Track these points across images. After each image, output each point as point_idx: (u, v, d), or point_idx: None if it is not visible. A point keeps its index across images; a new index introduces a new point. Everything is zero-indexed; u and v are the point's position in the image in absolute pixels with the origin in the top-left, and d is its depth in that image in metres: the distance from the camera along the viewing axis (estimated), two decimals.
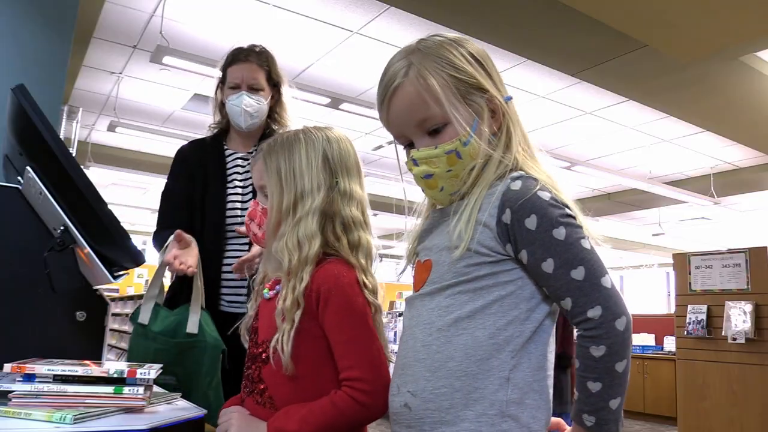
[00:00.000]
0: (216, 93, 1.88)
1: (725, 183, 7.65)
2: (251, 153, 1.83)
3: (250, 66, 1.80)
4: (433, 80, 0.90)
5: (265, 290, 1.11)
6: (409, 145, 0.96)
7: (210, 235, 1.72)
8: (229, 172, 1.81)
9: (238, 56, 1.81)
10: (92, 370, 0.95)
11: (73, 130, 5.19)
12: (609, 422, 0.82)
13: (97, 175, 7.74)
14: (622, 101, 5.47)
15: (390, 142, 6.37)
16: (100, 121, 6.74)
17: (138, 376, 0.95)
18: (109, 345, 1.42)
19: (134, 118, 6.48)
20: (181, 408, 1.00)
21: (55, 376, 0.92)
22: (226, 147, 1.86)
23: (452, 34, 0.99)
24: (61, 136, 1.24)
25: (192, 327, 1.44)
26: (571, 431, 0.88)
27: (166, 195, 1.81)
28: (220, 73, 1.86)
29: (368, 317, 1.03)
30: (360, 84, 5.46)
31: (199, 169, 1.81)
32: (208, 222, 1.74)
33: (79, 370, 0.94)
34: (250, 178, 1.73)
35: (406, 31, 4.44)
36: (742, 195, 8.15)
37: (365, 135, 6.86)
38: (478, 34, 4.05)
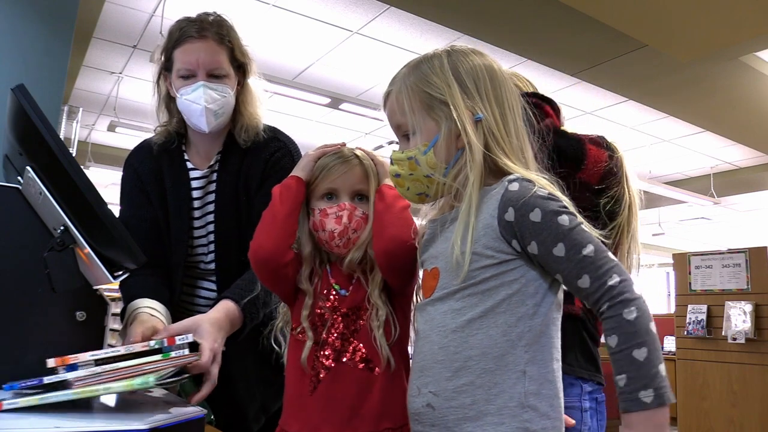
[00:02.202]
0: (158, 83, 1.42)
1: (725, 183, 7.66)
2: (212, 167, 1.43)
3: (207, 45, 1.32)
4: (406, 93, 0.99)
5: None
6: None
7: (178, 272, 1.42)
8: (194, 200, 1.43)
9: (188, 32, 1.34)
10: (133, 347, 0.98)
11: (73, 130, 5.20)
12: (666, 390, 0.81)
13: (97, 175, 7.73)
14: (622, 101, 5.47)
15: (390, 143, 6.37)
16: (100, 121, 6.74)
17: (177, 342, 0.99)
18: (109, 345, 1.41)
19: (134, 118, 6.48)
20: (181, 408, 1.00)
21: (96, 360, 0.93)
22: (187, 159, 1.44)
23: (469, 46, 1.03)
24: (61, 136, 1.23)
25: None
26: (624, 428, 0.84)
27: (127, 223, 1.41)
28: (160, 57, 1.40)
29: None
30: (360, 84, 5.47)
31: (154, 189, 1.42)
32: (175, 257, 1.42)
33: (121, 350, 0.96)
34: (209, 202, 1.44)
35: (406, 31, 4.44)
36: (742, 195, 8.15)
37: (365, 135, 6.87)
38: (477, 34, 4.05)
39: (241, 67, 1.41)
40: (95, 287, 1.11)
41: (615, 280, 0.85)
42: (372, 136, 6.84)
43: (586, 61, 4.46)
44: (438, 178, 0.97)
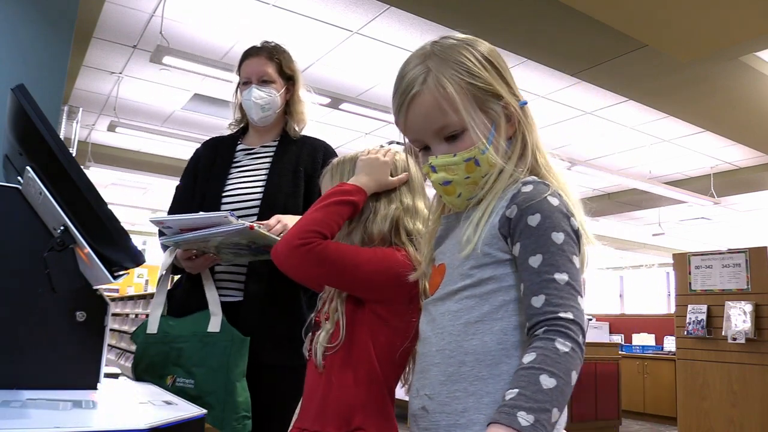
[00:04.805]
0: (235, 94, 1.89)
1: (725, 183, 7.65)
2: (267, 146, 1.80)
3: (259, 60, 1.78)
4: (452, 89, 0.90)
5: None
6: (425, 149, 0.97)
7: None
8: (234, 166, 1.78)
9: (248, 53, 1.81)
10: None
11: (73, 130, 5.20)
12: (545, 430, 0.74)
13: (97, 175, 7.72)
14: (622, 101, 5.47)
15: (390, 142, 6.37)
16: (100, 121, 6.74)
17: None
18: (109, 345, 1.46)
19: (134, 118, 6.48)
20: (181, 408, 1.00)
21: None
22: (239, 142, 1.85)
23: (462, 34, 0.99)
24: (61, 136, 1.24)
25: (214, 326, 1.47)
26: None
27: (175, 192, 1.84)
28: (237, 77, 1.86)
29: (387, 260, 1.11)
30: (360, 84, 5.47)
31: (207, 165, 1.81)
32: (207, 205, 1.70)
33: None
34: (258, 171, 1.73)
35: (406, 31, 4.44)
36: (742, 195, 8.15)
37: (365, 135, 6.87)
38: (478, 35, 4.00)
39: (290, 79, 1.82)
40: (95, 287, 1.11)
41: (568, 315, 0.79)
42: (372, 136, 6.84)
43: (586, 61, 4.46)
44: (511, 168, 0.91)
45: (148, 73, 5.45)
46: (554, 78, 4.97)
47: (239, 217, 1.62)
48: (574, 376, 0.77)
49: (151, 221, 1.49)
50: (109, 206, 0.97)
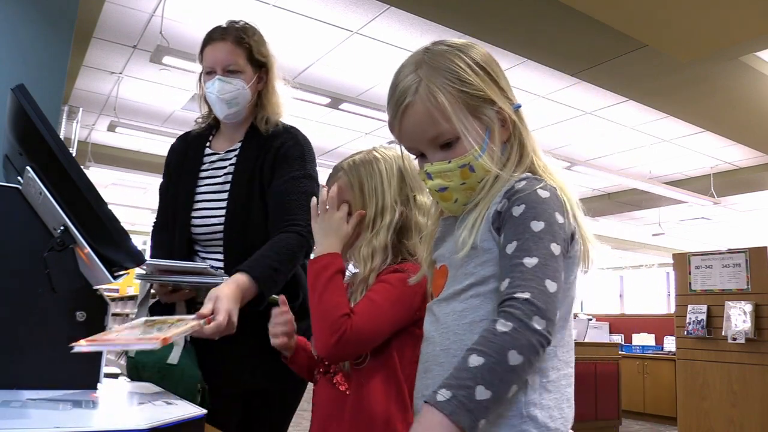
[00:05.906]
0: (199, 84, 1.61)
1: (725, 183, 7.66)
2: (231, 151, 1.59)
3: (225, 45, 1.52)
4: (443, 98, 0.90)
5: None
6: (422, 156, 0.97)
7: (178, 236, 1.57)
8: (201, 177, 1.59)
9: (212, 36, 1.55)
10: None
11: (73, 130, 5.19)
12: (462, 408, 0.74)
13: (97, 175, 7.73)
14: (622, 101, 5.47)
15: (390, 142, 6.37)
16: (100, 121, 6.74)
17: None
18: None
19: (134, 118, 6.48)
20: (181, 408, 1.00)
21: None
22: (208, 144, 1.64)
23: (457, 39, 0.99)
24: (61, 136, 1.24)
25: (173, 358, 1.38)
26: (418, 420, 0.78)
27: (159, 192, 1.71)
28: (199, 58, 1.61)
29: (404, 295, 1.09)
30: (360, 84, 5.47)
31: (179, 162, 1.65)
32: (178, 221, 1.57)
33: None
34: (222, 186, 1.57)
35: (406, 31, 4.44)
36: (742, 195, 8.16)
37: (365, 135, 6.87)
38: (478, 35, 4.05)
39: (263, 66, 1.58)
40: (95, 287, 1.11)
41: (523, 295, 0.78)
42: (372, 136, 6.84)
43: (586, 61, 4.46)
44: (507, 175, 0.91)
45: (148, 73, 5.45)
46: (554, 78, 4.97)
47: (206, 241, 1.55)
48: (514, 355, 0.76)
49: (137, 277, 1.42)
50: (109, 206, 0.97)
